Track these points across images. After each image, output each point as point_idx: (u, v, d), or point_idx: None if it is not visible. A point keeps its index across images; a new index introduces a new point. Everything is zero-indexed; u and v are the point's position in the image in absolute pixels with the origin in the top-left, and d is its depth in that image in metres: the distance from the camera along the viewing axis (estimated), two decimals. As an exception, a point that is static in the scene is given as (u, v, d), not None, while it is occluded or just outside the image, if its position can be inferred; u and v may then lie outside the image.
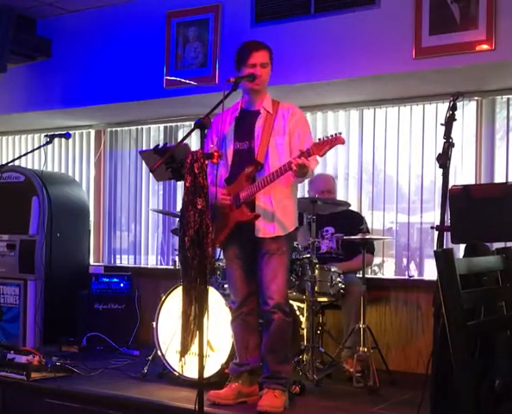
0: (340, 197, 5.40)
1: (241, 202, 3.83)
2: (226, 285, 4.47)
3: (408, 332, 5.19)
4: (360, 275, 4.65)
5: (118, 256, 6.84)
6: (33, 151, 5.76)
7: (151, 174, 3.69)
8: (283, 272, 3.87)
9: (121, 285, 5.99)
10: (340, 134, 3.57)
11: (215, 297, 4.23)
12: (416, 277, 5.36)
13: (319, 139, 3.56)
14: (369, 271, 5.35)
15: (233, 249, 3.99)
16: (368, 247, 4.77)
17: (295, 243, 4.33)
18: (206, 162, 3.20)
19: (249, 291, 3.99)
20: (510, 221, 2.94)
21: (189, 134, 3.46)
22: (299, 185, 4.18)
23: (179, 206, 4.93)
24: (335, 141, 3.53)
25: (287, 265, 3.93)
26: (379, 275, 5.57)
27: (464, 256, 3.20)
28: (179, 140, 3.79)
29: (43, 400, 4.33)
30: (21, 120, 6.81)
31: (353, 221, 4.94)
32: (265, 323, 3.96)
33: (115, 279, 6.01)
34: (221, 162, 3.92)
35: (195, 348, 3.23)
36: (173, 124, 6.50)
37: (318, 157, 3.75)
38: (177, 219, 3.93)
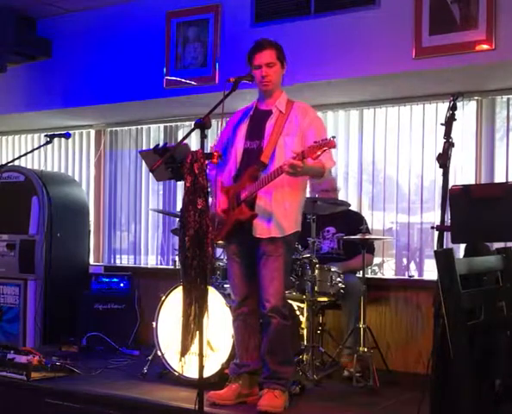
0: (340, 197, 5.39)
1: (242, 201, 3.83)
2: (226, 285, 4.47)
3: (409, 332, 5.19)
4: (360, 275, 4.66)
5: (118, 256, 6.84)
6: (33, 151, 5.77)
7: (151, 174, 3.69)
8: (280, 275, 3.83)
9: (121, 285, 5.99)
10: (334, 138, 3.54)
11: (215, 297, 4.23)
12: (416, 277, 5.36)
13: (315, 142, 3.55)
14: (369, 271, 5.36)
15: (232, 247, 3.99)
16: (368, 247, 4.78)
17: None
18: (206, 162, 3.20)
19: (248, 291, 3.98)
20: (510, 221, 2.94)
21: (189, 134, 3.46)
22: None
23: (179, 206, 4.93)
24: (327, 144, 3.50)
25: (284, 268, 3.88)
26: (379, 275, 5.58)
27: (464, 256, 3.21)
28: (179, 140, 3.80)
29: (43, 400, 4.33)
30: (21, 120, 6.82)
31: (354, 221, 4.94)
32: (264, 324, 3.96)
33: (115, 279, 6.01)
34: (231, 160, 3.93)
35: (195, 347, 3.23)
36: (173, 124, 6.51)
37: (330, 156, 3.77)
38: (177, 219, 3.93)
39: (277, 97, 3.94)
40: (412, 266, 5.53)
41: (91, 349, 5.62)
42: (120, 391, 4.29)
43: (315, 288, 4.43)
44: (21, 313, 5.85)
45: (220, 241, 4.07)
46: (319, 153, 3.49)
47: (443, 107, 5.08)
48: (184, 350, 3.27)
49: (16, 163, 5.97)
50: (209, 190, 3.86)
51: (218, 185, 3.94)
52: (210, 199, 3.89)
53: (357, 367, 4.44)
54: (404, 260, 5.57)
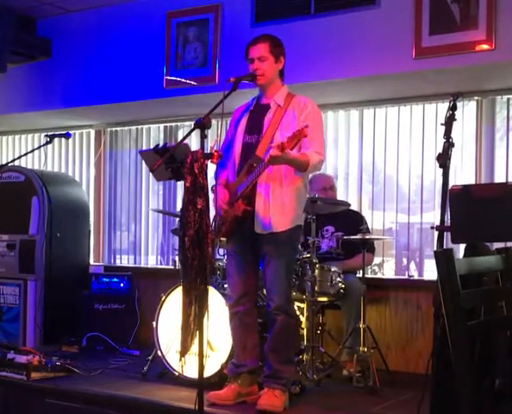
0: (340, 197, 5.40)
1: (238, 196, 3.83)
2: (226, 285, 4.47)
3: (409, 332, 5.19)
4: (360, 275, 4.66)
5: (118, 256, 6.84)
6: (33, 151, 5.77)
7: (151, 174, 3.69)
8: (282, 274, 3.84)
9: (121, 285, 5.99)
10: (307, 127, 3.55)
11: (215, 297, 4.23)
12: (416, 277, 5.36)
13: (293, 132, 3.57)
14: (369, 271, 5.36)
15: (233, 243, 3.98)
16: (368, 246, 4.78)
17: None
18: (206, 162, 3.21)
19: (246, 289, 3.97)
20: (510, 221, 2.94)
21: (189, 134, 3.46)
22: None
23: (179, 206, 4.94)
24: (300, 134, 3.52)
25: (287, 267, 3.89)
26: (379, 275, 5.58)
27: (464, 256, 3.20)
28: (179, 140, 3.80)
29: (43, 400, 4.33)
30: (21, 120, 6.82)
31: (354, 221, 4.94)
32: (269, 322, 3.97)
33: (115, 279, 6.01)
34: (233, 155, 3.94)
35: (195, 347, 3.23)
36: (173, 124, 6.51)
37: (319, 150, 3.78)
38: (177, 219, 3.93)
39: (276, 91, 3.94)
40: (412, 266, 5.53)
41: (91, 349, 5.62)
42: (120, 391, 4.29)
43: (316, 288, 4.43)
44: (21, 313, 5.85)
45: (222, 239, 4.07)
46: (295, 142, 3.52)
47: (443, 107, 5.08)
48: (184, 350, 3.27)
49: (16, 163, 5.98)
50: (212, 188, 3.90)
51: (220, 181, 3.94)
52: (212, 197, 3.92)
53: (357, 367, 4.44)
54: (404, 260, 5.57)
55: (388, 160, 5.50)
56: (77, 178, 6.90)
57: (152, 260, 6.68)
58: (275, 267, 3.82)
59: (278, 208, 3.81)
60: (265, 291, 4.09)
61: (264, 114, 3.92)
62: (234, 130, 4.01)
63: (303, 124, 3.60)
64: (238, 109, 4.10)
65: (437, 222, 3.11)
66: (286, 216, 3.84)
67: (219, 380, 4.18)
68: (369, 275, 5.28)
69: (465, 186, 3.25)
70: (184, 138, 3.45)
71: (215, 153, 3.26)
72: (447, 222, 3.08)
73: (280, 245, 3.82)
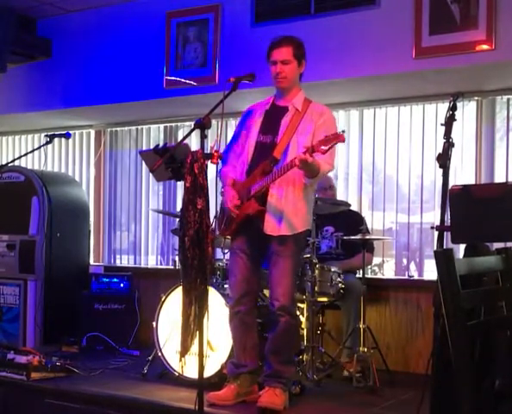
0: (340, 197, 5.41)
1: (251, 195, 3.83)
2: (226, 285, 4.47)
3: (409, 332, 5.19)
4: (360, 275, 4.66)
5: (118, 256, 6.85)
6: (33, 151, 5.76)
7: (151, 174, 3.69)
8: (289, 275, 3.83)
9: (121, 285, 5.99)
10: (343, 132, 3.56)
11: (215, 297, 4.23)
12: (416, 277, 5.36)
13: (325, 136, 3.55)
14: (369, 271, 5.36)
15: (239, 242, 3.96)
16: (368, 246, 4.78)
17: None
18: (206, 162, 3.21)
19: (248, 288, 3.96)
20: (510, 221, 2.94)
21: (189, 134, 3.46)
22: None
23: (179, 206, 4.94)
24: (337, 138, 3.50)
25: (294, 268, 3.89)
26: (379, 275, 5.57)
27: (464, 256, 3.21)
28: (179, 140, 3.80)
29: (43, 400, 4.33)
30: (21, 120, 6.82)
31: (353, 221, 4.94)
32: (271, 322, 3.95)
33: (115, 279, 6.01)
34: (244, 153, 3.93)
35: (195, 348, 3.23)
36: (173, 124, 6.51)
37: (329, 161, 3.74)
38: (177, 219, 3.93)
39: (295, 95, 3.93)
40: (412, 266, 5.53)
41: (91, 349, 5.62)
42: (120, 391, 4.29)
43: (316, 288, 4.43)
44: (21, 313, 5.85)
45: (228, 237, 4.06)
46: (327, 147, 3.49)
47: (443, 107, 5.08)
48: (184, 350, 3.28)
49: (16, 163, 5.98)
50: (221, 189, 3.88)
51: (228, 181, 3.94)
52: (220, 197, 3.91)
53: (357, 367, 4.44)
54: (404, 260, 5.58)
55: (388, 160, 5.50)
56: (77, 178, 6.90)
57: (152, 260, 6.68)
58: (282, 267, 3.82)
59: (291, 211, 3.80)
60: (265, 291, 4.09)
61: (281, 116, 3.90)
62: (247, 129, 3.98)
63: (340, 130, 3.57)
64: (251, 108, 4.07)
65: (437, 222, 3.11)
66: (298, 219, 3.83)
67: (219, 380, 4.18)
68: (369, 275, 5.28)
69: (465, 186, 3.25)
70: (184, 138, 3.45)
71: (215, 154, 3.26)
72: (447, 222, 3.08)
73: (290, 246, 3.82)
